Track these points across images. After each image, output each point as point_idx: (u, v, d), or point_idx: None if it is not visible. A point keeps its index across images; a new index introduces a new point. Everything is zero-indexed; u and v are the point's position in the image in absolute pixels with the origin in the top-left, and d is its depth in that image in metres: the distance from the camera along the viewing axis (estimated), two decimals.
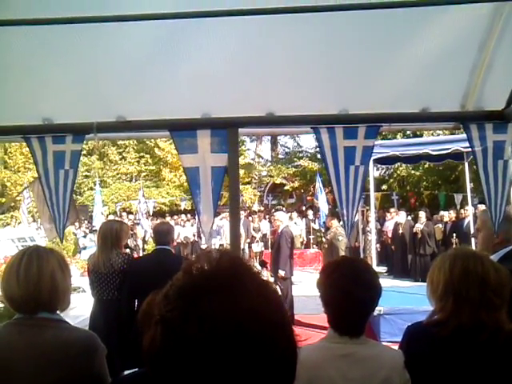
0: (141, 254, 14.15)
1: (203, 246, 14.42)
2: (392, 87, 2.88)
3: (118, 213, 21.69)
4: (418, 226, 12.82)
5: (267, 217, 17.89)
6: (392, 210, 15.65)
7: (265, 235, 16.81)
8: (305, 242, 17.82)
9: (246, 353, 0.70)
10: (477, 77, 2.82)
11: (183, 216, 18.86)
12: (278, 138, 29.28)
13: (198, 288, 0.75)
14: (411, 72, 2.81)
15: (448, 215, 13.40)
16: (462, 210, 13.53)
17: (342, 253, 8.20)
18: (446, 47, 2.66)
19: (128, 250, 4.70)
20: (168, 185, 24.62)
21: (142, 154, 26.11)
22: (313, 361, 1.77)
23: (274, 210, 18.21)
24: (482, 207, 10.63)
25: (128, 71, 2.77)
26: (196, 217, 15.14)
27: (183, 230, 17.49)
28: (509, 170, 2.94)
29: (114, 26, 2.38)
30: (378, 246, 14.51)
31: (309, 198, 23.39)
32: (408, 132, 19.25)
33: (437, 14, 2.48)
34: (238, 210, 2.96)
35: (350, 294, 1.77)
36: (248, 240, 17.11)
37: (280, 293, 7.52)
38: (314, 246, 17.35)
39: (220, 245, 15.97)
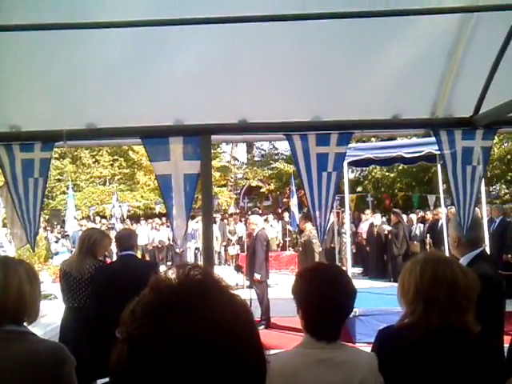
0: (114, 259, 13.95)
1: (178, 250, 14.30)
2: (364, 94, 2.91)
3: (92, 217, 21.37)
4: (386, 228, 12.98)
5: (243, 219, 17.88)
6: (367, 211, 15.82)
7: (240, 238, 16.78)
8: (281, 245, 17.86)
9: (214, 369, 0.70)
10: (446, 85, 2.87)
11: (158, 220, 18.69)
12: None
13: (165, 305, 0.74)
14: (383, 80, 2.85)
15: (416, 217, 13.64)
16: (429, 212, 13.83)
17: (317, 255, 8.26)
18: (416, 56, 2.71)
19: (101, 257, 4.63)
20: (142, 188, 24.40)
21: (115, 157, 25.81)
22: (290, 368, 1.77)
23: (250, 213, 18.21)
24: (452, 209, 10.85)
25: (98, 78, 2.73)
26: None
27: (158, 234, 17.33)
28: (477, 175, 3.00)
29: (85, 33, 2.35)
30: (353, 247, 14.66)
31: (285, 200, 23.48)
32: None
33: (407, 23, 2.52)
34: (211, 216, 2.96)
35: (330, 299, 1.79)
36: (224, 243, 17.08)
37: (257, 300, 7.52)
38: (290, 248, 17.41)
39: (195, 248, 15.91)
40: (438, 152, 7.59)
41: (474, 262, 2.82)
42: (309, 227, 8.65)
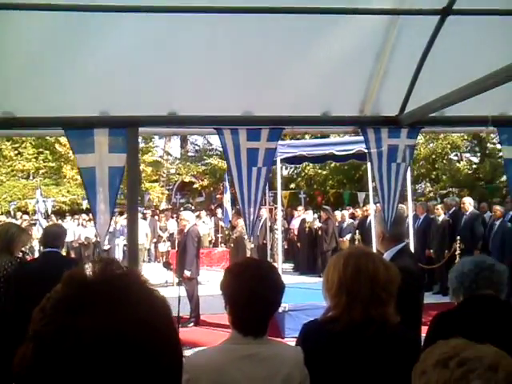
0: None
1: (106, 247, 13.83)
2: (295, 91, 2.92)
3: (12, 212, 20.20)
4: (317, 224, 13.30)
5: (175, 216, 17.62)
6: (299, 208, 16.11)
7: (172, 235, 16.51)
8: (213, 241, 17.78)
9: (128, 366, 0.67)
10: (374, 84, 2.95)
11: (84, 215, 17.93)
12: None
13: (77, 299, 0.69)
14: (314, 77, 2.87)
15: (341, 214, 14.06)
16: (358, 209, 14.30)
17: (249, 251, 8.30)
18: (345, 55, 2.75)
19: (20, 254, 4.36)
20: (69, 182, 23.35)
21: (40, 149, 24.51)
22: (215, 364, 1.76)
23: (182, 209, 17.97)
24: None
25: (18, 64, 2.55)
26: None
27: (84, 231, 16.67)
28: (401, 172, 3.11)
29: (4, 14, 2.17)
30: (285, 243, 14.87)
31: (218, 196, 23.42)
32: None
33: (338, 22, 2.55)
34: (136, 211, 2.87)
35: (259, 294, 1.79)
36: (154, 240, 16.75)
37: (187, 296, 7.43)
38: (222, 244, 17.38)
39: (124, 245, 15.46)
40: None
41: (396, 256, 2.94)
42: (241, 223, 8.67)
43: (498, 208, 9.74)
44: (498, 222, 9.57)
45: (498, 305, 2.39)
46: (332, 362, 1.92)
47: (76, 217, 18.15)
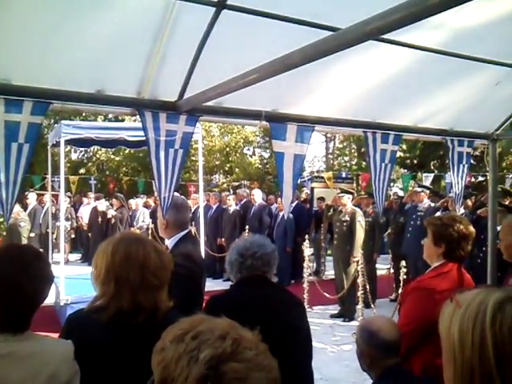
0: None
1: None
2: (65, 64, 2.68)
3: None
4: (111, 212, 12.90)
5: None
6: (90, 194, 15.36)
7: None
8: None
9: None
10: (151, 67, 2.89)
11: None
12: None
13: None
14: (87, 51, 2.68)
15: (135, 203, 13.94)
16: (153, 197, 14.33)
17: (25, 240, 7.56)
18: (122, 32, 2.64)
19: None
20: None
21: None
22: None
23: None
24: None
25: None
26: None
27: None
28: (178, 159, 3.14)
29: None
30: (72, 231, 14.06)
31: None
32: (110, 115, 19.13)
33: None
34: None
35: (18, 285, 1.65)
36: None
37: None
38: None
39: None
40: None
41: (179, 242, 3.01)
42: (16, 208, 7.81)
43: None
44: (281, 213, 10.70)
45: (264, 284, 2.59)
46: (100, 353, 1.84)
47: None
